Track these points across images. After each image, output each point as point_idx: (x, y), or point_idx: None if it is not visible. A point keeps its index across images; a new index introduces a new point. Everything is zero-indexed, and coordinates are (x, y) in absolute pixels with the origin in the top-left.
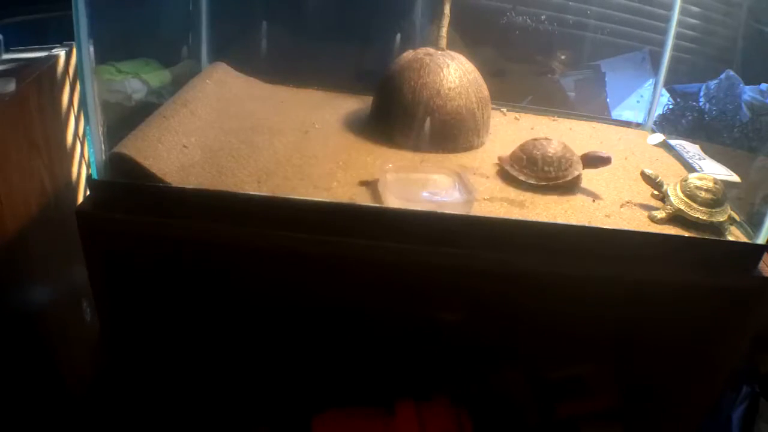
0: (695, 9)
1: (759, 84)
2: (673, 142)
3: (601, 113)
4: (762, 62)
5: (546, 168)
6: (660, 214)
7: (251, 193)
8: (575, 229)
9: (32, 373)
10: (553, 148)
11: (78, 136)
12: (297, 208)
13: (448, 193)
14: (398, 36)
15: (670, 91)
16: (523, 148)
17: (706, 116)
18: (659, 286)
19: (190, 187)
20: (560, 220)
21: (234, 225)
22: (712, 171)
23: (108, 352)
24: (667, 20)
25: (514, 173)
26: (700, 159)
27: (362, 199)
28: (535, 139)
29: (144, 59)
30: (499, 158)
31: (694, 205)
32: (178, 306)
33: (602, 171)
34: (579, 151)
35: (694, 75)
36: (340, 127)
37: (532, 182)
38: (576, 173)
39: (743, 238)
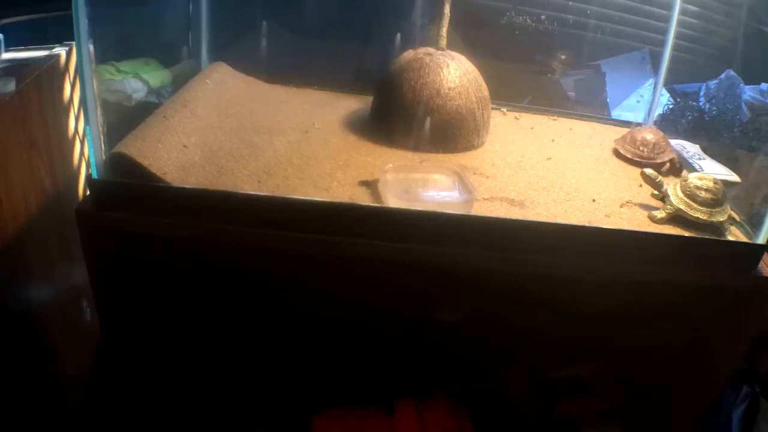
0: (695, 9)
1: (759, 84)
2: (673, 141)
3: (601, 113)
4: (762, 62)
5: (641, 148)
6: (660, 214)
7: (251, 193)
8: (575, 229)
9: (31, 373)
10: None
11: (78, 135)
12: (297, 208)
13: (448, 193)
14: (398, 36)
15: (670, 90)
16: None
17: (706, 116)
18: (659, 286)
19: (190, 187)
20: (560, 220)
21: (234, 225)
22: (712, 171)
23: (108, 352)
24: (667, 20)
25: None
26: (699, 159)
27: (362, 198)
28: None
29: (144, 59)
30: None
31: (694, 204)
32: (178, 306)
33: (602, 171)
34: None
35: (694, 75)
36: (340, 126)
37: (629, 156)
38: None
39: (743, 238)
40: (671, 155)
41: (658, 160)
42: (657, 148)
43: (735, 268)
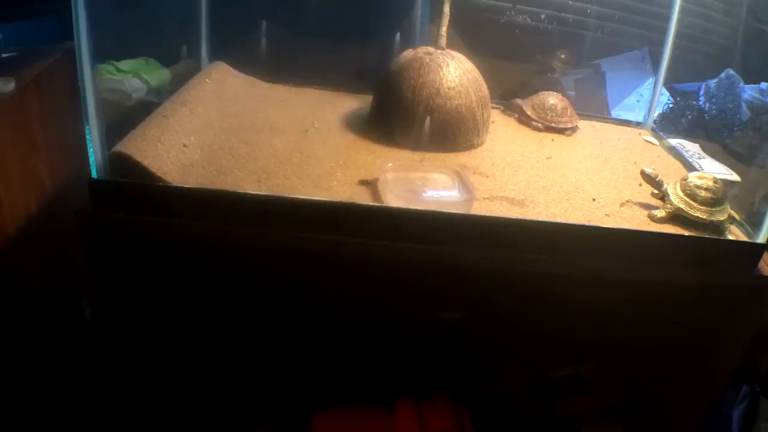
0: (695, 8)
1: (759, 83)
2: (673, 141)
3: (601, 112)
4: (762, 61)
5: (549, 113)
6: (660, 213)
7: (251, 192)
8: (575, 228)
9: (31, 374)
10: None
11: (78, 135)
12: (297, 208)
13: (448, 192)
14: (398, 35)
15: (670, 90)
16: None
17: (706, 115)
18: (659, 285)
19: (190, 186)
20: (560, 219)
21: (234, 224)
22: (712, 170)
23: (107, 351)
24: (667, 19)
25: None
26: (699, 158)
27: (362, 198)
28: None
29: (144, 58)
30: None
31: (694, 204)
32: (177, 305)
33: (602, 170)
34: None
35: (694, 74)
36: (340, 126)
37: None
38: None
39: (743, 237)
40: (576, 122)
41: (561, 126)
42: (563, 113)
43: (735, 268)
